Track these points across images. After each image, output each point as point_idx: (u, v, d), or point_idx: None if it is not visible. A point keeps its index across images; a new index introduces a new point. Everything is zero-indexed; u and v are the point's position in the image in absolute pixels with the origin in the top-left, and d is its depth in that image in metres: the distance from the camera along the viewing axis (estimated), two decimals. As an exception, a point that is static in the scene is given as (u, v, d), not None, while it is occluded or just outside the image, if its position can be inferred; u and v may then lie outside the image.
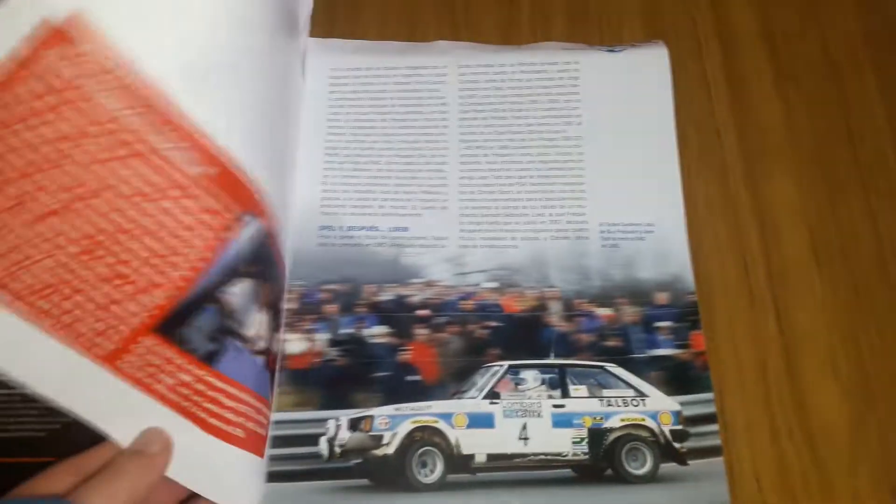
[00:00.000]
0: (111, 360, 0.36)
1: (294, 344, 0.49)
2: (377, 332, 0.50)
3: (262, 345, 0.42)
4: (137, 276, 0.35)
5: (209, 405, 0.39)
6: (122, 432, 0.37)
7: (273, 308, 0.45)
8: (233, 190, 0.38)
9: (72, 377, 0.35)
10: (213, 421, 0.40)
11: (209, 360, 0.39)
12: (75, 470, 0.35)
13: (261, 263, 0.41)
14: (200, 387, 0.39)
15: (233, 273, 0.39)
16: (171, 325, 0.37)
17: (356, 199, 0.54)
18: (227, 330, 0.39)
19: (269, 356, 0.45)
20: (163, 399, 0.38)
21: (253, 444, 0.43)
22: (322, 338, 0.50)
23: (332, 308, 0.51)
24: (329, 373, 0.49)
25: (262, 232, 0.40)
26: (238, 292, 0.39)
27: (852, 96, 0.58)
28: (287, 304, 0.50)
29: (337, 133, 0.56)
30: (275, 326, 0.46)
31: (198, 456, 0.40)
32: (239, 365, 0.40)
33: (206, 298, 0.38)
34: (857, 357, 0.50)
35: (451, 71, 0.58)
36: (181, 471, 0.38)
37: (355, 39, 0.59)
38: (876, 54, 0.59)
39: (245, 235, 0.39)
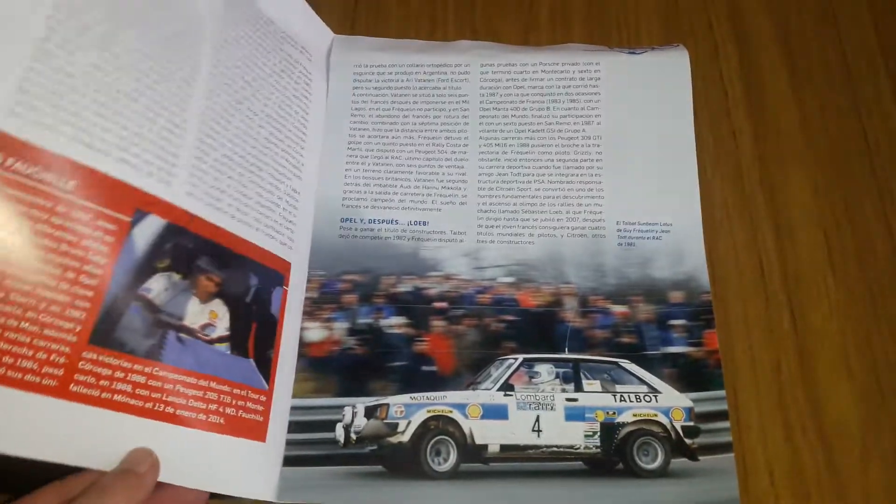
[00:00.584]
0: (63, 387, 0.36)
1: (313, 332, 0.50)
2: (395, 323, 0.51)
3: (217, 333, 0.43)
4: (57, 295, 0.36)
5: (171, 398, 0.40)
6: (98, 460, 0.36)
7: (235, 297, 0.45)
8: (112, 194, 0.39)
9: (32, 424, 0.35)
10: (183, 413, 0.40)
11: (153, 355, 0.39)
12: (57, 492, 0.35)
13: (179, 256, 0.42)
14: (155, 383, 0.39)
15: (146, 269, 0.40)
16: (104, 333, 0.38)
17: (377, 193, 0.55)
18: (162, 323, 0.40)
19: (244, 343, 0.45)
20: (126, 408, 0.38)
21: (243, 429, 0.43)
22: (341, 327, 0.51)
23: (351, 298, 0.52)
24: (347, 361, 0.50)
25: (163, 226, 0.42)
26: (158, 287, 0.40)
27: (868, 101, 0.59)
28: (307, 294, 0.51)
29: (360, 128, 0.57)
30: (250, 314, 0.46)
31: (184, 453, 0.40)
32: (190, 354, 0.41)
33: (127, 299, 0.39)
34: (871, 358, 0.50)
35: (473, 69, 0.59)
36: (174, 473, 0.38)
37: (377, 37, 0.61)
38: (891, 60, 0.60)
39: (142, 232, 0.40)
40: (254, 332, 0.46)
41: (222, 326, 0.44)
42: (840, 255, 0.53)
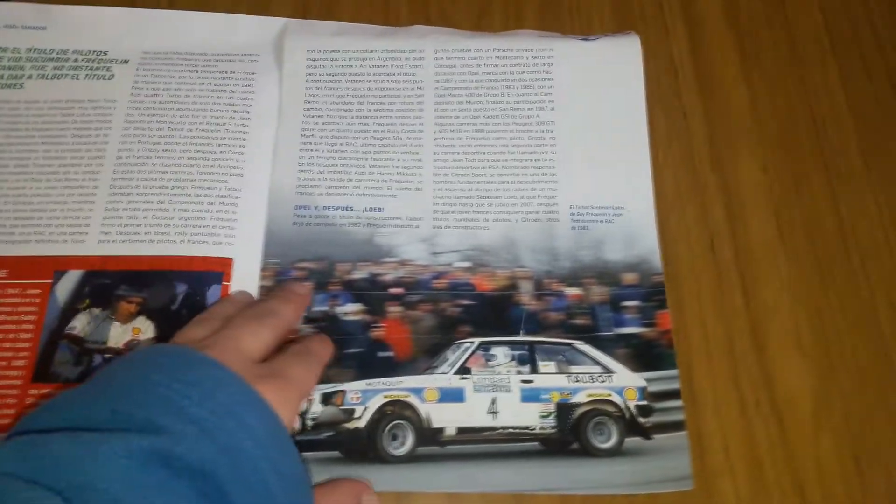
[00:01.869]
0: (15, 422, 0.45)
1: (268, 320, 0.50)
2: (350, 310, 0.51)
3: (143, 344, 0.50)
4: (3, 353, 0.47)
5: None
6: None
7: (159, 309, 0.50)
8: (33, 268, 0.50)
9: None
10: None
11: (83, 378, 0.47)
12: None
13: (97, 293, 0.50)
14: None
15: (69, 313, 0.49)
16: (43, 371, 0.47)
17: (331, 180, 0.55)
18: (88, 351, 0.48)
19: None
20: None
21: None
22: (296, 314, 0.51)
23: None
24: (302, 348, 0.50)
25: (80, 275, 0.50)
26: (81, 323, 0.49)
27: (816, 83, 0.60)
28: (262, 282, 0.51)
29: (314, 115, 0.57)
30: (179, 319, 0.49)
31: None
32: None
33: (56, 340, 0.48)
34: (821, 331, 0.51)
35: (427, 55, 0.59)
36: None
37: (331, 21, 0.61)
38: (838, 43, 0.61)
39: (62, 287, 0.49)
40: None
41: (147, 338, 0.49)
42: (790, 231, 0.54)
